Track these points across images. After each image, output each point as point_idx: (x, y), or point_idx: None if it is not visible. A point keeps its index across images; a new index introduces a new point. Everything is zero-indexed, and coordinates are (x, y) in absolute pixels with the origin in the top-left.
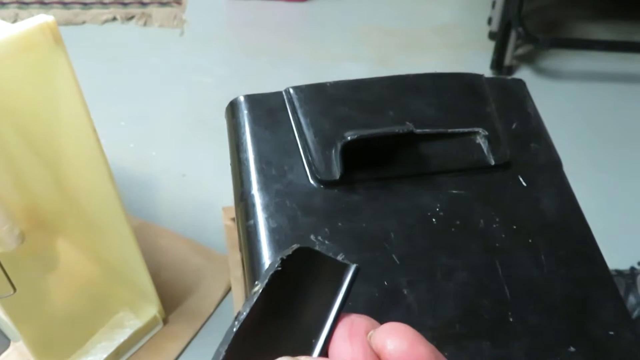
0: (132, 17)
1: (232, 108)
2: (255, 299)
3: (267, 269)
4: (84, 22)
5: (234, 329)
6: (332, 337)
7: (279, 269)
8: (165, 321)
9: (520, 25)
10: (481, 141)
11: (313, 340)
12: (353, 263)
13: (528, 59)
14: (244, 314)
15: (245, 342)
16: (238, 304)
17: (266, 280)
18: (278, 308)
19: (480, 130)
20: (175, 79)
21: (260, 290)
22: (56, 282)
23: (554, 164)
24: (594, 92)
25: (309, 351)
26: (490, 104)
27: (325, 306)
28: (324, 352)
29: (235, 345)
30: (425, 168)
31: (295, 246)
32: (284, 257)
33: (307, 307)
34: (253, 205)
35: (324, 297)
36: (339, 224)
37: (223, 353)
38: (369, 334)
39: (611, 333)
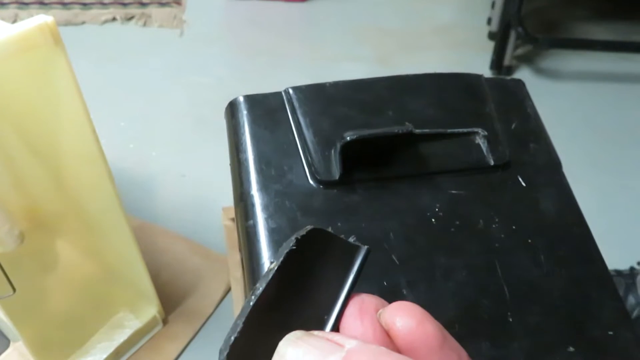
0: (131, 18)
1: (232, 108)
2: (271, 276)
3: (282, 247)
4: (83, 23)
5: (251, 303)
6: (343, 315)
7: (294, 248)
8: (164, 321)
9: (520, 25)
10: (480, 141)
11: (325, 317)
12: (364, 245)
13: (527, 59)
14: (260, 289)
15: (261, 316)
16: (238, 304)
17: (281, 259)
18: (292, 285)
19: (479, 130)
20: (175, 79)
21: (276, 268)
22: (56, 282)
23: (554, 164)
24: (594, 92)
25: (321, 327)
26: (489, 104)
27: (337, 285)
28: (336, 328)
29: (252, 319)
30: (425, 168)
31: (309, 227)
32: (299, 237)
33: (320, 286)
34: (252, 205)
35: (336, 276)
36: (339, 224)
37: (240, 325)
38: (379, 312)
39: (610, 333)
